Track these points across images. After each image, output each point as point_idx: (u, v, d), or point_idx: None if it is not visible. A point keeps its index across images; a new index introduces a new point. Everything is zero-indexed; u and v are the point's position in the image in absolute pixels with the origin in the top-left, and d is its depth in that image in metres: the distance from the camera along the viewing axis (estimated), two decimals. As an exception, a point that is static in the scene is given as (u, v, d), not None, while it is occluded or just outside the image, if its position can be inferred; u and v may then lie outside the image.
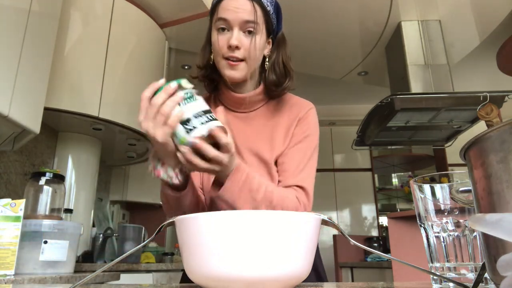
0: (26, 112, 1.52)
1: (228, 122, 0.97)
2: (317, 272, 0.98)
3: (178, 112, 0.65)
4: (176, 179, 0.73)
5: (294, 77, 0.99)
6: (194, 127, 0.65)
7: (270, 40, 0.98)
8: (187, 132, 0.65)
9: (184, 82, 0.68)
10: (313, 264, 0.96)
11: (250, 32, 0.89)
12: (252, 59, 0.90)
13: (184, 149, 0.66)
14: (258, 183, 0.78)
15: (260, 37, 0.91)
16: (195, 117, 0.66)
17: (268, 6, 0.93)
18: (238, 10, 0.88)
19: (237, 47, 0.87)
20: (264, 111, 0.99)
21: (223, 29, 0.89)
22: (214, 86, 1.00)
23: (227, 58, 0.89)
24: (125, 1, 2.42)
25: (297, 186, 0.88)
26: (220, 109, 0.84)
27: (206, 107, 0.68)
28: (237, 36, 0.88)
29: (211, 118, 0.67)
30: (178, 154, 0.67)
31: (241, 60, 0.89)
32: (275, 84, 0.96)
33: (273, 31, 0.97)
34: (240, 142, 0.95)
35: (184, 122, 0.65)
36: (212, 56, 0.95)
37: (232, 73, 0.89)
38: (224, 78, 0.94)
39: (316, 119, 1.00)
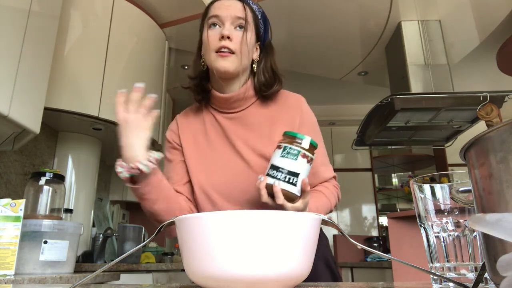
0: (26, 112, 1.52)
1: (222, 125, 0.97)
2: (331, 271, 0.99)
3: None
4: (152, 165, 0.83)
5: (282, 81, 1.03)
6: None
7: (258, 46, 1.01)
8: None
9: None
10: (326, 262, 1.00)
11: (241, 28, 0.94)
12: (243, 53, 0.93)
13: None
14: (321, 208, 0.92)
15: (250, 35, 0.95)
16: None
17: (256, 11, 1.00)
18: (229, 8, 0.95)
19: (228, 37, 0.91)
20: (255, 109, 1.01)
21: (214, 25, 0.94)
22: (203, 96, 1.02)
23: (217, 51, 0.92)
24: (125, 1, 2.42)
25: (330, 178, 1.02)
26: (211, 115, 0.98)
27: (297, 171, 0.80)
28: (228, 28, 0.93)
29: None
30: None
31: (232, 52, 0.92)
32: (265, 84, 0.99)
33: (261, 37, 1.02)
34: (240, 142, 0.95)
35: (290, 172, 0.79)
36: (203, 62, 0.98)
37: (224, 63, 0.91)
38: (214, 76, 0.96)
39: (310, 108, 1.05)
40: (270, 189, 0.78)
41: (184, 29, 2.76)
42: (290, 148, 0.78)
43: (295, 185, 0.78)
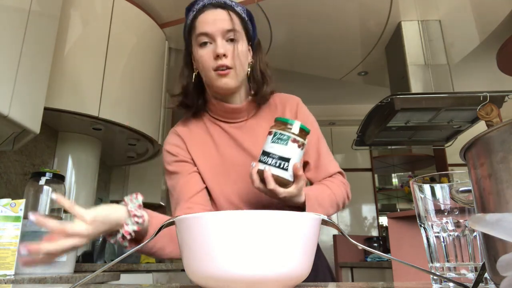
0: (26, 112, 1.52)
1: (232, 134, 0.97)
2: (331, 273, 1.01)
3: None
4: (140, 219, 0.75)
5: (271, 82, 1.00)
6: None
7: (250, 47, 0.99)
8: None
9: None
10: (327, 266, 1.01)
11: (232, 40, 0.91)
12: (239, 66, 0.91)
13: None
14: (322, 198, 0.89)
15: (242, 44, 0.93)
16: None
17: (242, 13, 0.95)
18: (216, 21, 0.90)
19: (224, 55, 0.88)
20: (259, 116, 1.00)
21: (205, 43, 0.90)
22: (196, 109, 1.00)
23: (216, 70, 0.89)
24: (125, 1, 2.42)
25: (335, 173, 1.00)
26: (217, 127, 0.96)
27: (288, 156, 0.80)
28: (222, 45, 0.89)
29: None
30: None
31: (230, 68, 0.89)
32: (255, 93, 0.98)
33: (251, 38, 0.99)
34: (256, 150, 0.95)
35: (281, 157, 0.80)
36: (193, 76, 0.95)
37: (225, 81, 0.90)
38: (216, 91, 0.94)
39: (306, 108, 1.05)
40: (262, 174, 0.79)
41: (184, 29, 2.76)
42: (281, 133, 0.78)
43: (286, 170, 0.78)
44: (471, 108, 2.53)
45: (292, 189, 0.79)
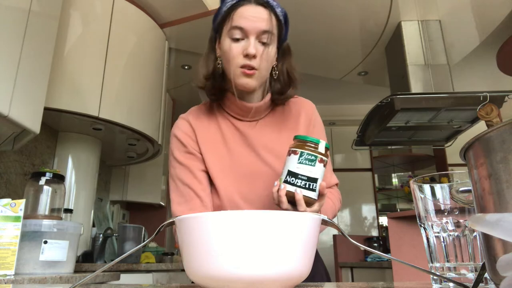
0: (26, 112, 1.52)
1: (243, 132, 0.96)
2: (327, 275, 1.03)
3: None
4: None
5: (298, 85, 0.99)
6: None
7: (277, 49, 0.97)
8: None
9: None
10: (323, 266, 1.02)
11: (264, 43, 0.89)
12: (265, 69, 0.90)
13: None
14: (328, 211, 0.93)
15: (273, 48, 0.91)
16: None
17: (280, 15, 0.93)
18: (255, 19, 0.87)
19: (254, 56, 0.87)
20: (271, 117, 1.00)
21: (237, 38, 0.88)
22: (218, 96, 0.98)
23: (241, 67, 0.88)
24: (125, 1, 2.42)
25: (334, 184, 1.04)
26: (227, 121, 0.96)
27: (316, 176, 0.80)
28: (254, 45, 0.87)
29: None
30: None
31: (255, 69, 0.88)
32: (278, 92, 0.97)
33: (281, 40, 0.97)
34: (265, 152, 0.95)
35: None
36: (218, 65, 0.94)
37: (247, 81, 0.88)
38: (234, 87, 0.92)
39: (319, 115, 1.08)
40: (290, 196, 0.78)
41: (184, 29, 2.76)
42: (308, 154, 0.77)
43: (314, 190, 0.78)
44: (471, 108, 2.52)
45: (316, 207, 0.80)
